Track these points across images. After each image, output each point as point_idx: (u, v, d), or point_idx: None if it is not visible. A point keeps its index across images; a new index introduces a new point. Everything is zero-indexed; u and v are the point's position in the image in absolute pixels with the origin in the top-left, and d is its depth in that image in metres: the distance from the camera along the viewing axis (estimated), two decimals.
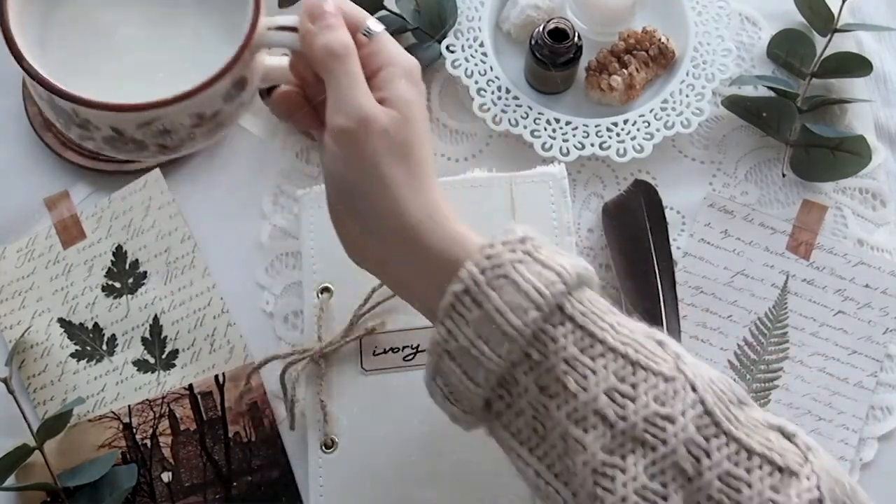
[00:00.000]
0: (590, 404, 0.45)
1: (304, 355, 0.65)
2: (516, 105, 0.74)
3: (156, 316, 0.71)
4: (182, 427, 0.68)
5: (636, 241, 0.69)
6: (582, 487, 0.46)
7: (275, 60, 0.61)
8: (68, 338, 0.70)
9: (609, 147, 0.72)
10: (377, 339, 0.65)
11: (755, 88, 0.76)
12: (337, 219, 0.53)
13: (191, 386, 0.69)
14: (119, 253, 0.72)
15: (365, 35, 0.52)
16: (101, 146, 0.57)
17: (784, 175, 0.74)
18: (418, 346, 0.65)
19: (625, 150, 0.72)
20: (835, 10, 0.75)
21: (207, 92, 0.54)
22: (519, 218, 0.67)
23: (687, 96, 0.74)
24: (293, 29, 0.56)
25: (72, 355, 0.70)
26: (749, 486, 0.44)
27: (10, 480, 0.65)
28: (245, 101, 0.59)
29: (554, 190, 0.68)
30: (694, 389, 0.46)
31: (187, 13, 0.59)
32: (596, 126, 0.73)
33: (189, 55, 0.58)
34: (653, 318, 0.67)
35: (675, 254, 0.71)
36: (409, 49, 0.76)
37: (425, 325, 0.65)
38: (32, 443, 0.64)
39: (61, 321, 0.71)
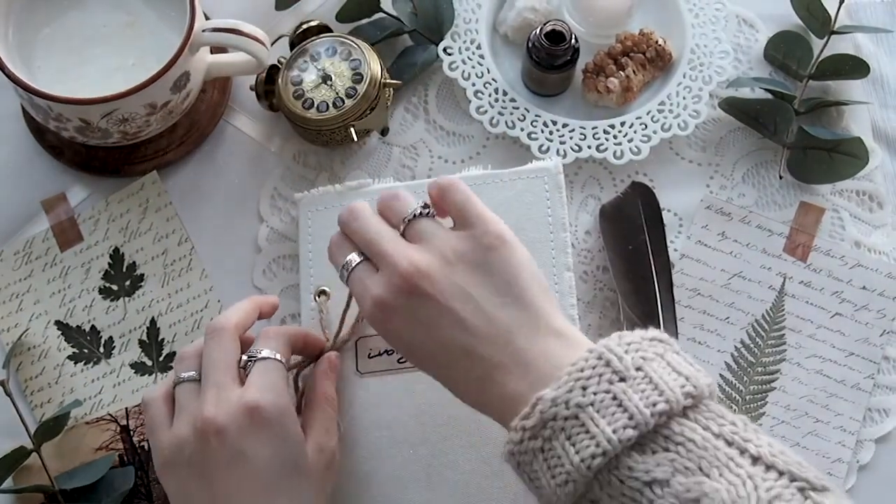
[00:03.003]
0: None
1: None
2: (513, 107, 0.74)
3: (153, 318, 0.71)
4: None
5: (633, 243, 0.69)
6: None
7: (217, 57, 0.72)
8: (66, 340, 0.70)
9: (606, 149, 0.72)
10: (372, 341, 0.65)
11: (752, 90, 0.76)
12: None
13: None
14: (116, 255, 0.72)
15: None
16: (74, 135, 0.68)
17: (781, 177, 0.74)
18: None
19: (622, 152, 0.72)
20: (832, 12, 0.75)
21: (155, 85, 0.64)
22: (514, 213, 0.67)
23: (684, 98, 0.74)
24: (226, 30, 0.66)
25: (69, 358, 0.70)
26: None
27: (8, 483, 0.65)
28: (192, 91, 0.69)
29: (549, 185, 0.68)
30: None
31: (149, 19, 0.69)
32: (593, 128, 0.73)
33: (153, 53, 0.67)
34: (650, 321, 0.67)
35: (672, 256, 0.71)
36: (406, 52, 0.76)
37: None
38: (30, 445, 0.64)
39: (59, 324, 0.71)
